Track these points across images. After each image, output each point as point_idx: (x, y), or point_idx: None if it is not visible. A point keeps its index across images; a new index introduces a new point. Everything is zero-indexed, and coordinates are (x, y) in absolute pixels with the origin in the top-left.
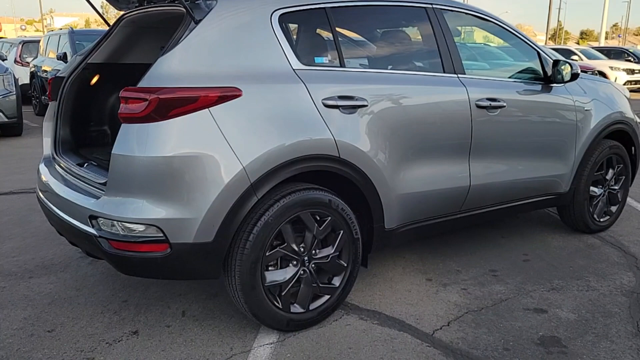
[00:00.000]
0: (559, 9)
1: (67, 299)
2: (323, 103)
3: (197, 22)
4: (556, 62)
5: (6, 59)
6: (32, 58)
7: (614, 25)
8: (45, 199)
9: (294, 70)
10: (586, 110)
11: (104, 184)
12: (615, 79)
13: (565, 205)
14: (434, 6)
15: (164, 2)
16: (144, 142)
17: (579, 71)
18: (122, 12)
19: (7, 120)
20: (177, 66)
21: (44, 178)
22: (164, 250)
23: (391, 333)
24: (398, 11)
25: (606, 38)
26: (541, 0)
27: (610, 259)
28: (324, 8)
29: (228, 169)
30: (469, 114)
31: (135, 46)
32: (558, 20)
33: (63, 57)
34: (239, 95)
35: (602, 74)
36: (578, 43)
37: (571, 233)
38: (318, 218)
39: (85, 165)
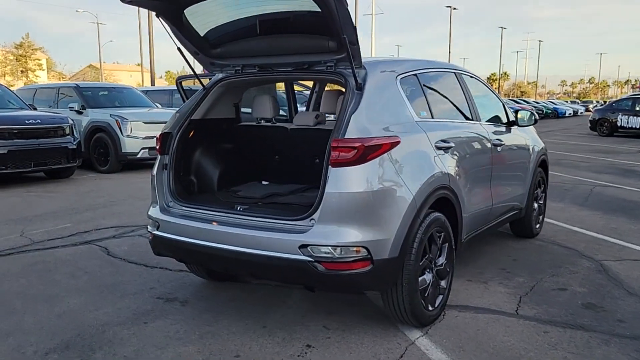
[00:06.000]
0: None
1: (213, 332)
2: (435, 146)
3: (359, 89)
4: (516, 111)
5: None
6: None
7: None
8: (205, 242)
9: (416, 122)
10: (532, 146)
11: (302, 217)
12: None
13: (520, 218)
14: (457, 71)
15: (324, 72)
16: (352, 181)
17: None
18: (220, 75)
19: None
20: (362, 123)
21: (182, 224)
22: (368, 266)
23: (492, 317)
24: (447, 74)
25: None
26: None
27: (560, 252)
28: (415, 74)
29: (405, 198)
30: (490, 150)
31: (217, 104)
32: None
33: None
34: (399, 142)
35: None
36: None
37: (517, 239)
38: (438, 234)
39: (239, 209)
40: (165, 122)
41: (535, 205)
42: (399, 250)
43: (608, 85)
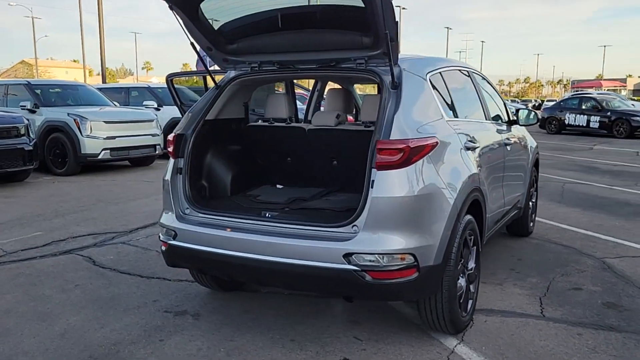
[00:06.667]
0: None
1: (239, 348)
2: (465, 146)
3: (395, 88)
4: (517, 110)
5: None
6: None
7: None
8: (233, 252)
9: (446, 121)
10: (530, 145)
11: (344, 224)
12: None
13: (519, 217)
14: (469, 69)
15: (354, 69)
16: (398, 185)
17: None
18: (233, 73)
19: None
20: (403, 124)
21: (204, 232)
22: (413, 274)
23: (520, 320)
24: (462, 72)
25: None
26: None
27: (559, 250)
28: (440, 72)
29: (448, 201)
30: (503, 149)
31: (229, 103)
32: None
33: None
34: (438, 143)
35: None
36: None
37: (513, 238)
38: (469, 237)
39: (267, 215)
40: (128, 122)
41: (530, 203)
42: (442, 256)
43: (542, 85)
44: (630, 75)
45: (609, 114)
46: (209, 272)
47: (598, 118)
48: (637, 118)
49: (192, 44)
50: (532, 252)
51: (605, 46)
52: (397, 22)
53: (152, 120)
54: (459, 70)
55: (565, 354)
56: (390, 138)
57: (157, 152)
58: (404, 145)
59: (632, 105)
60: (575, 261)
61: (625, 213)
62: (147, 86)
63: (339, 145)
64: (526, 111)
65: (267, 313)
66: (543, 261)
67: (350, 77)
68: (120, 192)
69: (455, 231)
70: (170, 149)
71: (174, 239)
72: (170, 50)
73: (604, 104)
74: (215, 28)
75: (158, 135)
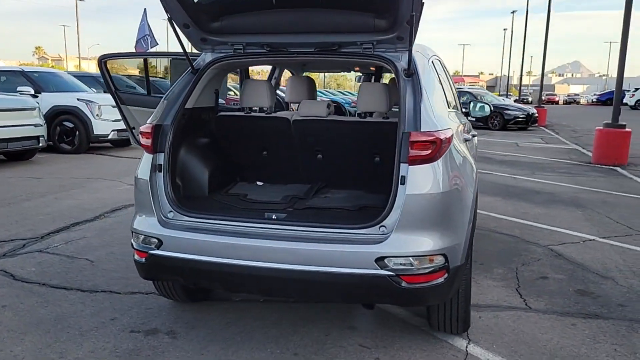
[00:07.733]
0: None
1: None
2: (464, 139)
3: (409, 76)
4: (469, 102)
5: None
6: None
7: None
8: (240, 261)
9: (448, 112)
10: (474, 138)
11: (371, 225)
12: None
13: None
14: (440, 58)
15: (360, 55)
16: (431, 180)
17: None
18: (210, 55)
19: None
20: (427, 114)
21: (200, 240)
22: (443, 275)
23: (511, 314)
24: (438, 61)
25: None
26: None
27: (505, 239)
28: (432, 60)
29: (470, 196)
30: (472, 140)
31: (205, 90)
32: None
33: None
34: (453, 136)
35: None
36: None
37: None
38: None
39: (274, 218)
40: (5, 110)
41: None
42: (466, 255)
43: None
44: (482, 73)
45: None
46: (203, 285)
47: None
48: (509, 112)
49: (170, 19)
50: (482, 243)
51: (464, 45)
52: (424, 3)
53: (33, 109)
54: (437, 59)
55: (572, 346)
56: (422, 130)
57: (40, 144)
58: (434, 138)
59: (503, 99)
60: (526, 250)
61: (541, 201)
62: (20, 69)
63: (330, 138)
64: (472, 103)
65: (253, 324)
66: (497, 251)
67: (354, 62)
68: (6, 192)
69: (474, 227)
70: (146, 142)
71: (158, 248)
72: (19, 33)
73: (478, 98)
74: (195, 1)
75: (41, 125)
